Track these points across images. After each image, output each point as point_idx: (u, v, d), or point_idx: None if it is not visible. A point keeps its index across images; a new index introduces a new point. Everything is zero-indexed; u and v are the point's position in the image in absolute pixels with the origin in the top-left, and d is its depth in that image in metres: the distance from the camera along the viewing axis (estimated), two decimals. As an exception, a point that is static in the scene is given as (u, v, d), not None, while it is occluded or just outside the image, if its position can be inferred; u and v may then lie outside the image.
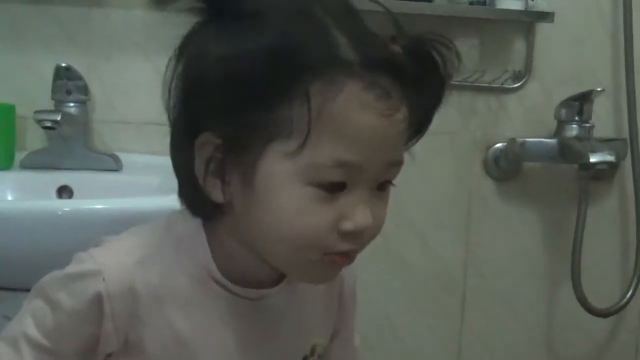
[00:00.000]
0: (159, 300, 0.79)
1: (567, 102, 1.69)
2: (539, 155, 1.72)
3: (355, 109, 0.71)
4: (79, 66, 1.55)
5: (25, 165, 1.54)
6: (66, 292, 0.78)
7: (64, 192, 1.50)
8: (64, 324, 0.78)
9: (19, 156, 1.54)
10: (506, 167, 1.75)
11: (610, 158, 1.62)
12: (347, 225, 0.74)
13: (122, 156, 1.58)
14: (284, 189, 0.73)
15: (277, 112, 0.71)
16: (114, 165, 1.55)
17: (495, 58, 1.73)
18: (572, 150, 1.66)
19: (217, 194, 0.76)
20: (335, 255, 0.75)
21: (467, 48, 1.72)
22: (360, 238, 0.75)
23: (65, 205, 1.36)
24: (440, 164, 1.73)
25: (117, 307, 0.77)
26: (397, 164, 0.77)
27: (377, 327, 1.75)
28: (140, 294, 0.78)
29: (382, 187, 0.77)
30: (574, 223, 1.71)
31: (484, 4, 1.65)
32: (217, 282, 0.80)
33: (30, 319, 0.79)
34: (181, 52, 0.77)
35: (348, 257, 0.76)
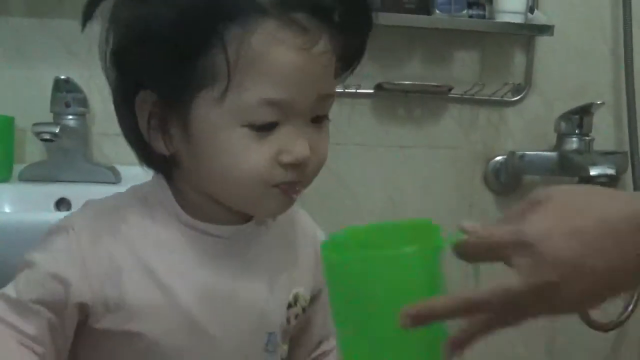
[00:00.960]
0: (132, 246, 0.81)
1: (567, 115, 1.69)
2: (539, 168, 1.72)
3: (272, 48, 0.73)
4: (79, 79, 1.55)
5: (24, 178, 1.53)
6: (40, 249, 0.82)
7: (63, 204, 1.49)
8: (34, 276, 0.81)
9: (18, 168, 1.54)
10: (506, 180, 1.75)
11: (610, 171, 1.61)
12: (287, 158, 0.76)
13: (121, 169, 1.57)
14: (219, 134, 0.76)
15: (198, 62, 0.74)
16: (112, 178, 1.55)
17: (495, 71, 1.73)
18: (572, 163, 1.66)
19: (161, 147, 0.79)
20: (282, 185, 0.78)
21: (467, 61, 1.72)
22: (303, 169, 0.78)
23: (64, 218, 1.35)
24: (440, 177, 1.73)
25: (87, 255, 0.80)
26: (327, 97, 0.79)
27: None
28: (111, 243, 0.81)
29: (318, 120, 0.79)
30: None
31: (484, 17, 1.65)
32: (187, 225, 0.83)
33: (11, 283, 0.82)
34: (90, 17, 0.82)
35: (295, 187, 0.79)
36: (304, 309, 0.91)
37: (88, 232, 0.81)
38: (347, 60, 0.81)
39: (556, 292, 0.64)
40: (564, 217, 0.66)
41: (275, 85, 0.74)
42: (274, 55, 0.73)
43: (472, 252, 0.69)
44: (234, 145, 0.76)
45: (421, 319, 0.65)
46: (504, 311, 0.67)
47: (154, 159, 0.82)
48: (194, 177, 0.81)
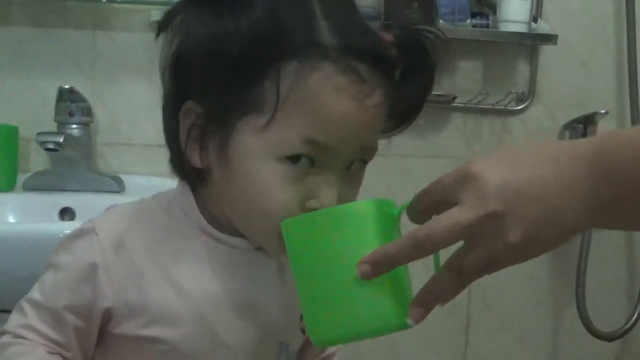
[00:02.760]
0: (154, 253, 0.82)
1: (570, 125, 1.69)
2: (543, 178, 1.71)
3: (325, 90, 0.73)
4: (83, 89, 1.55)
5: (28, 187, 1.54)
6: (64, 252, 0.82)
7: (66, 214, 1.50)
8: (59, 280, 0.81)
9: (22, 178, 1.54)
10: (510, 190, 1.74)
11: (614, 180, 1.61)
12: (313, 204, 0.75)
13: (125, 178, 1.57)
14: (254, 163, 0.76)
15: (251, 88, 0.74)
16: (116, 187, 1.55)
17: (498, 80, 1.73)
18: (576, 172, 1.65)
19: (196, 159, 0.79)
20: None
21: (471, 70, 1.72)
22: None
23: (67, 228, 1.35)
24: (443, 186, 1.72)
25: (110, 259, 0.80)
26: (369, 150, 0.79)
27: (381, 352, 1.74)
28: (134, 248, 0.81)
29: (353, 166, 0.78)
30: (578, 246, 1.71)
31: (488, 26, 1.65)
32: (210, 235, 0.83)
33: (36, 285, 0.83)
34: (166, 28, 0.80)
35: None
36: None
37: (111, 237, 0.81)
38: (399, 117, 0.82)
39: (504, 222, 0.64)
40: (506, 154, 0.68)
41: (320, 128, 0.73)
42: (326, 98, 0.73)
43: (424, 205, 0.70)
44: (265, 178, 0.75)
45: (378, 266, 0.66)
46: (461, 255, 0.67)
47: (185, 168, 0.82)
48: (219, 195, 0.81)
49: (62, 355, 0.81)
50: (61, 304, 0.80)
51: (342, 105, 0.73)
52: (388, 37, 0.78)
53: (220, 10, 0.75)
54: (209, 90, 0.76)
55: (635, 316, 1.73)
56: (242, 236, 0.83)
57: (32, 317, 0.81)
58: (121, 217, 0.84)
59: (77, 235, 0.83)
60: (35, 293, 0.82)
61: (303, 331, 0.90)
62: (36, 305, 0.81)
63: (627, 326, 1.73)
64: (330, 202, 0.75)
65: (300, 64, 0.73)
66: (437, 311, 1.83)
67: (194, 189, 0.83)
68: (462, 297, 1.73)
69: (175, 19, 0.79)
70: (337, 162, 0.76)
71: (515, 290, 1.77)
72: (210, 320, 0.82)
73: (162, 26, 0.80)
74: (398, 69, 0.77)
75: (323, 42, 0.73)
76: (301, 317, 0.87)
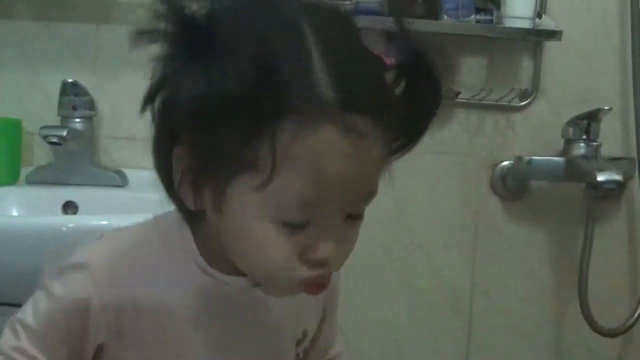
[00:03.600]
0: (148, 285, 0.81)
1: (574, 121, 1.69)
2: (546, 174, 1.72)
3: (325, 154, 0.69)
4: (87, 83, 1.55)
5: (31, 181, 1.54)
6: (58, 281, 0.81)
7: (69, 207, 1.50)
8: (53, 311, 0.80)
9: (26, 171, 1.54)
10: (513, 186, 1.75)
11: (617, 177, 1.61)
12: (312, 256, 0.74)
13: (128, 172, 1.57)
14: (249, 221, 0.73)
15: (245, 148, 0.70)
16: (119, 181, 1.55)
17: (502, 76, 1.72)
18: (578, 169, 1.66)
19: (190, 204, 0.77)
20: (305, 283, 0.75)
21: (475, 66, 1.72)
22: (326, 266, 0.75)
23: (70, 221, 1.35)
24: (446, 182, 1.73)
25: (104, 296, 0.79)
26: (368, 198, 0.76)
27: (384, 349, 1.74)
28: (129, 282, 0.80)
29: (352, 216, 0.76)
30: (581, 242, 1.71)
31: (492, 22, 1.65)
32: (203, 270, 0.82)
33: (29, 306, 0.82)
34: (152, 101, 0.77)
35: (320, 283, 0.76)
36: (311, 339, 0.92)
37: (105, 273, 0.80)
38: (404, 139, 0.79)
39: None
40: None
41: (319, 188, 0.70)
42: (325, 161, 0.69)
43: None
44: (260, 237, 0.73)
45: None
46: None
47: (180, 205, 0.79)
48: (216, 234, 0.78)
49: None
50: (54, 334, 0.80)
51: (341, 166, 0.70)
52: (390, 60, 0.75)
53: (208, 66, 0.69)
54: (202, 144, 0.72)
55: (638, 312, 1.73)
56: (237, 272, 0.81)
57: (25, 341, 0.80)
58: (117, 250, 0.82)
59: (72, 267, 0.81)
60: (28, 315, 0.81)
61: (298, 356, 0.91)
62: (29, 329, 0.80)
63: (630, 322, 1.73)
64: (329, 255, 0.74)
65: (297, 123, 0.68)
66: (440, 309, 1.85)
67: (191, 223, 0.81)
68: (465, 294, 1.75)
69: (157, 94, 0.76)
70: (335, 216, 0.73)
71: (517, 286, 1.77)
72: (201, 352, 0.83)
73: (147, 101, 0.76)
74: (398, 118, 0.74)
75: (321, 98, 0.68)
76: (297, 342, 0.90)
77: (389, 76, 0.75)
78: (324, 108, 0.67)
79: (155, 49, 0.73)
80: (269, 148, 0.68)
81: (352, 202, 0.74)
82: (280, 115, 0.68)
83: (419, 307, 1.75)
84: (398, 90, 0.75)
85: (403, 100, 0.75)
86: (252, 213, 0.72)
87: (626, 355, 1.82)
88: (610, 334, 1.72)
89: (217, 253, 0.80)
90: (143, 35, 0.75)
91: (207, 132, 0.71)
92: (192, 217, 0.80)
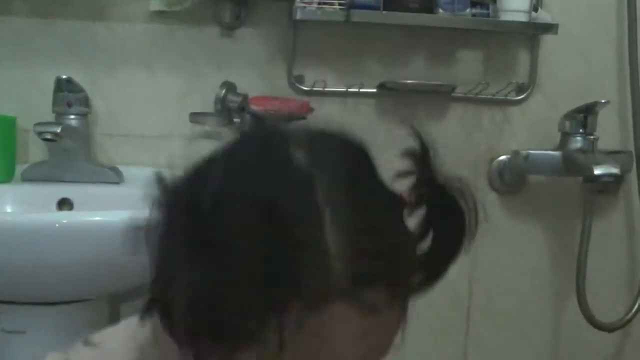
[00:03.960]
0: None
1: (571, 114, 1.68)
2: (543, 168, 1.71)
3: (336, 332, 0.65)
4: (82, 80, 1.55)
5: (26, 178, 1.53)
6: None
7: (64, 204, 1.49)
8: None
9: (21, 169, 1.54)
10: (510, 180, 1.74)
11: (614, 170, 1.60)
12: None
13: (124, 169, 1.57)
14: None
15: (254, 326, 0.65)
16: (115, 178, 1.55)
17: (499, 70, 1.72)
18: (576, 162, 1.65)
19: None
20: None
21: (471, 60, 1.71)
22: None
23: (65, 218, 1.35)
24: (443, 177, 1.72)
25: None
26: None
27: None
28: None
29: None
30: (579, 236, 1.70)
31: (488, 16, 1.64)
32: None
33: None
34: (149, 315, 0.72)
35: None
36: None
37: None
38: (427, 274, 0.74)
39: None
40: None
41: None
42: (335, 339, 0.65)
43: None
44: None
45: None
46: None
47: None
48: None
49: None
50: None
51: (353, 343, 0.66)
52: (410, 196, 0.71)
53: (210, 255, 0.65)
54: (205, 332, 0.67)
55: (636, 307, 1.72)
56: None
57: None
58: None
59: None
60: None
61: None
62: None
63: (628, 317, 1.73)
64: None
65: (305, 304, 0.63)
66: (439, 305, 1.84)
67: None
68: (462, 290, 1.74)
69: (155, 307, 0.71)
70: None
71: (515, 281, 1.77)
72: None
73: (144, 314, 0.72)
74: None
75: (330, 275, 0.63)
76: None
77: (408, 213, 0.71)
78: (332, 288, 0.63)
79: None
80: (276, 329, 0.64)
81: None
82: (291, 295, 0.63)
83: (417, 302, 1.74)
84: (421, 232, 0.71)
85: (429, 249, 0.71)
86: None
87: (624, 349, 1.82)
88: (608, 328, 1.71)
89: None
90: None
91: (214, 315, 0.66)
92: None
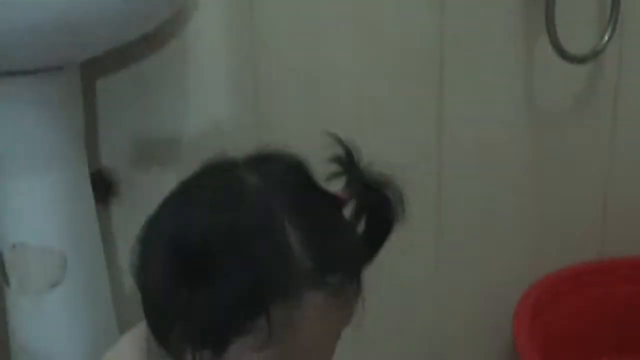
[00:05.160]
0: None
1: None
2: None
3: (312, 314, 0.82)
4: None
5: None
6: None
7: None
8: None
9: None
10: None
11: None
12: None
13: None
14: None
15: (245, 323, 0.80)
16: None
17: None
18: None
19: (187, 357, 0.84)
20: None
21: None
22: None
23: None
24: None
25: None
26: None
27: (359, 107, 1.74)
28: None
29: None
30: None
31: None
32: None
33: None
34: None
35: None
36: None
37: None
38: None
39: None
40: None
41: (311, 339, 0.84)
42: (312, 320, 0.82)
43: None
44: None
45: None
46: None
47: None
48: None
49: None
50: None
51: (328, 319, 0.84)
52: (344, 195, 0.87)
53: (206, 285, 0.79)
54: (197, 329, 0.82)
55: (608, 36, 1.72)
56: None
57: None
58: None
59: None
60: None
61: None
62: None
63: (598, 48, 1.73)
64: None
65: (284, 300, 0.79)
66: (409, 63, 1.76)
67: None
68: (434, 44, 1.71)
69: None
70: (325, 348, 0.89)
71: (486, 27, 1.75)
72: None
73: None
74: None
75: (301, 274, 0.80)
76: None
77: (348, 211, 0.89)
78: (304, 279, 0.80)
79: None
80: (265, 322, 0.79)
81: (338, 336, 0.89)
82: (272, 298, 0.79)
83: (387, 62, 1.72)
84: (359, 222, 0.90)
85: (364, 234, 0.89)
86: None
87: (596, 83, 1.84)
88: (579, 59, 1.72)
89: None
90: None
91: (214, 322, 0.81)
92: None
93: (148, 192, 1.58)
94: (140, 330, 0.95)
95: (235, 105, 1.65)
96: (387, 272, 1.78)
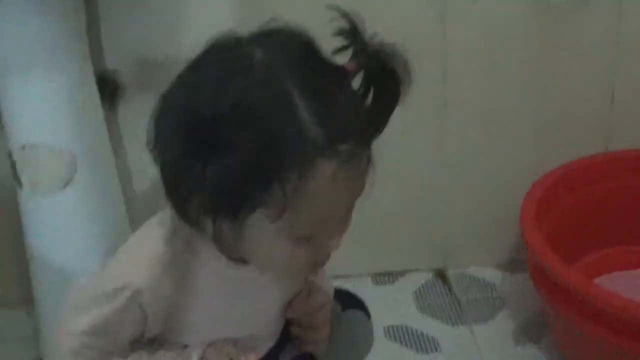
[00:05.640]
0: (187, 290, 0.97)
1: None
2: None
3: (325, 188, 0.83)
4: None
5: None
6: (104, 305, 0.95)
7: None
8: (110, 324, 0.97)
9: None
10: None
11: None
12: (319, 258, 0.93)
13: None
14: (265, 240, 0.88)
15: (262, 194, 0.82)
16: None
17: None
18: None
19: (208, 229, 0.88)
20: (309, 268, 0.97)
21: None
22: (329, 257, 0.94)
23: None
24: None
25: (149, 305, 0.95)
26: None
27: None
28: (168, 291, 0.96)
29: None
30: None
31: None
32: (225, 266, 0.97)
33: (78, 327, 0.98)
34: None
35: (322, 264, 0.96)
36: None
37: (148, 292, 0.95)
38: (374, 127, 0.91)
39: None
40: None
41: (325, 210, 0.86)
42: (326, 189, 0.83)
43: None
44: (278, 253, 0.90)
45: None
46: None
47: (199, 231, 0.90)
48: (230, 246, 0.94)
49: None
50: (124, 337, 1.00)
51: (340, 188, 0.85)
52: (351, 66, 0.87)
53: (220, 153, 0.80)
54: (213, 200, 0.84)
55: None
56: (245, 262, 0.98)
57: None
58: (152, 265, 0.95)
59: (114, 292, 0.95)
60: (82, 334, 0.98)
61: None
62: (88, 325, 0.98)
63: None
64: (336, 249, 0.92)
65: (298, 167, 0.80)
66: None
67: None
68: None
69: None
70: (339, 220, 0.91)
71: None
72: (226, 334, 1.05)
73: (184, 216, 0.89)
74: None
75: (313, 143, 0.80)
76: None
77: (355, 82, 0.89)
78: (315, 150, 0.81)
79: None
80: (280, 192, 0.81)
81: (351, 206, 0.91)
82: (285, 167, 0.80)
83: None
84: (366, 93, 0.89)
85: (372, 105, 0.89)
86: (268, 235, 0.87)
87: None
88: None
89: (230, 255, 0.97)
90: None
91: (218, 197, 0.83)
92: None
93: (155, 95, 1.58)
94: (167, 211, 0.98)
95: None
96: (391, 169, 1.83)
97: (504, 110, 1.86)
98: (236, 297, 1.02)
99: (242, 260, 0.98)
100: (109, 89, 1.64)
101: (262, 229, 0.86)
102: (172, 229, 0.97)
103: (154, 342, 1.04)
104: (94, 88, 1.48)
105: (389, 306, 1.89)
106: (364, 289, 1.87)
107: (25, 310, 1.82)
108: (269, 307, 1.09)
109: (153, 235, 0.98)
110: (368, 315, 1.25)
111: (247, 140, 0.79)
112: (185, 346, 1.04)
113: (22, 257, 1.55)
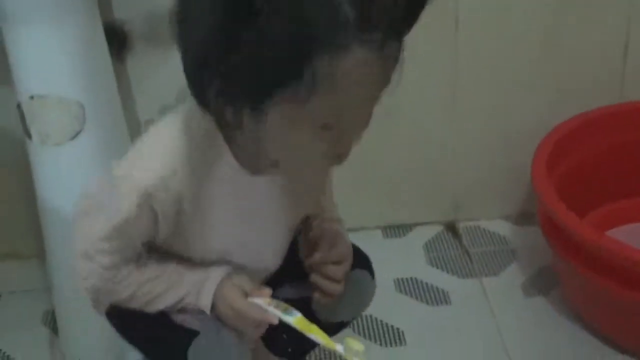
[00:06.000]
0: (199, 183, 0.98)
1: None
2: None
3: (355, 68, 0.83)
4: None
5: None
6: (112, 211, 0.97)
7: None
8: (126, 222, 0.98)
9: None
10: None
11: None
12: (339, 148, 0.92)
13: None
14: (290, 130, 0.88)
15: (290, 73, 0.82)
16: None
17: None
18: None
19: (228, 116, 0.89)
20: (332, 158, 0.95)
21: None
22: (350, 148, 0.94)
23: None
24: None
25: (161, 206, 0.97)
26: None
27: None
28: (179, 187, 0.96)
29: None
30: None
31: None
32: (237, 169, 1.00)
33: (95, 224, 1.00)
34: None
35: (344, 155, 0.95)
36: None
37: (159, 188, 0.95)
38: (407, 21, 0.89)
39: None
40: None
41: (352, 96, 0.86)
42: (355, 74, 0.84)
43: None
44: (301, 143, 0.90)
45: None
46: None
47: (217, 118, 0.92)
48: (247, 142, 0.95)
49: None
50: (138, 234, 1.01)
51: (369, 76, 0.85)
52: None
53: (255, 24, 0.79)
54: (238, 82, 0.85)
55: None
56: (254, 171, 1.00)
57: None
58: (184, 151, 0.96)
59: (123, 180, 0.96)
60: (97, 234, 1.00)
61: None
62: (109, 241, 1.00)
63: None
64: (358, 139, 0.93)
65: (329, 49, 0.80)
66: None
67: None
68: None
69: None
70: (363, 109, 0.91)
71: None
72: (240, 232, 1.07)
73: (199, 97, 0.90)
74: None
75: (346, 26, 0.80)
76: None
77: None
78: (348, 32, 0.81)
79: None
80: (310, 72, 0.81)
81: (375, 98, 0.90)
82: (317, 48, 0.80)
83: None
84: None
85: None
86: (290, 123, 0.87)
87: None
88: None
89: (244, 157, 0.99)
90: None
91: (247, 74, 0.84)
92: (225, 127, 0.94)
93: (163, 49, 1.58)
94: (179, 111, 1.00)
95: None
96: (405, 121, 1.82)
97: (515, 64, 1.84)
98: (244, 222, 1.05)
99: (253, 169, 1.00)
100: (118, 40, 1.63)
101: (286, 114, 0.86)
102: (188, 124, 0.97)
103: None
104: (102, 39, 1.47)
105: (399, 259, 1.90)
106: (373, 242, 1.89)
107: (37, 262, 1.83)
108: (277, 235, 1.12)
109: (165, 133, 0.99)
110: (372, 274, 1.24)
111: (279, 17, 0.79)
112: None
113: (33, 209, 1.55)
